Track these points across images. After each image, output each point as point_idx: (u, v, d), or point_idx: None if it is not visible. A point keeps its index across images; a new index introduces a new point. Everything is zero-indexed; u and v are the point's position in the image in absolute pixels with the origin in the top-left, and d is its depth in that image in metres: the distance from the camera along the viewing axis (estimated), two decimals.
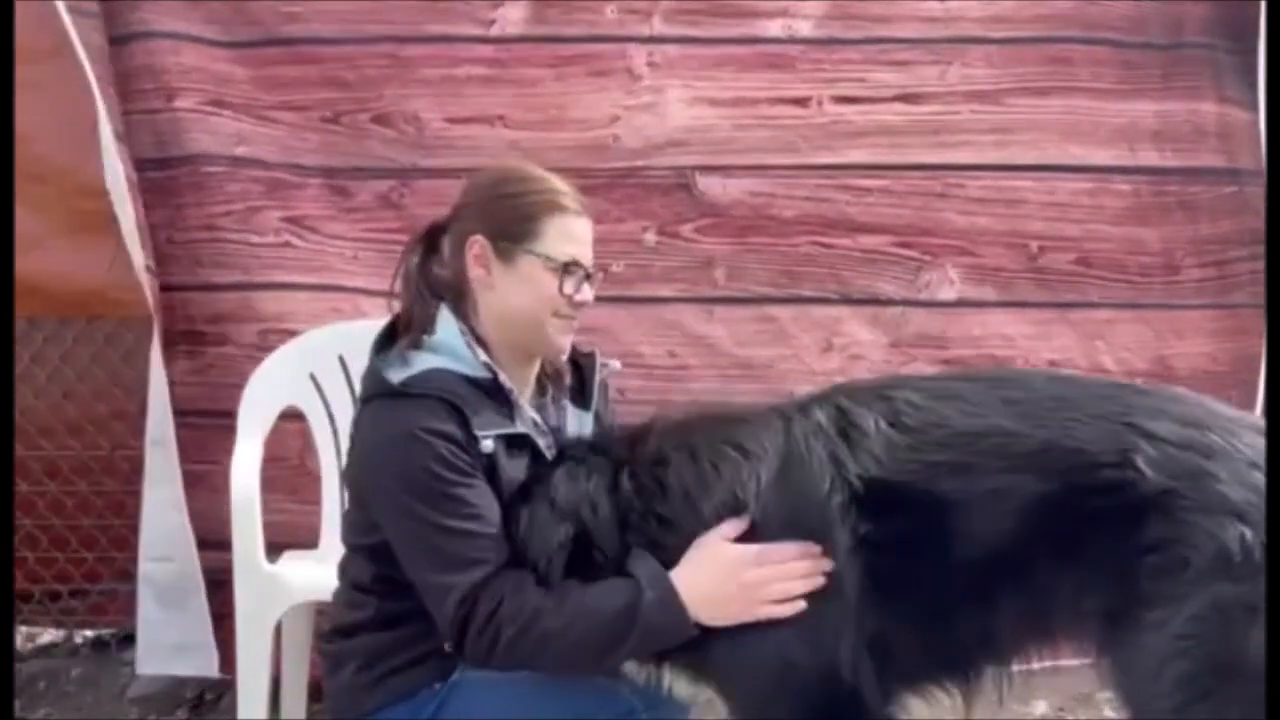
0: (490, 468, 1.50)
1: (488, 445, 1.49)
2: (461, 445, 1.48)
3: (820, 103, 2.41)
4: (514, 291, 1.55)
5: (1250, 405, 2.35)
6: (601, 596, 1.44)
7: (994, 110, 2.41)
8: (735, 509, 1.45)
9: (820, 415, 1.46)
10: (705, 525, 1.45)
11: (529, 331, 1.57)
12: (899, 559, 1.41)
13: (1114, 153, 2.40)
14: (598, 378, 1.69)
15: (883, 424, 1.43)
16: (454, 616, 1.44)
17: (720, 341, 2.43)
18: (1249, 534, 1.29)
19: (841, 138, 2.42)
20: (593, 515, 1.48)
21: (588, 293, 1.58)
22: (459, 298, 1.59)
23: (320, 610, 2.12)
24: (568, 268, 1.54)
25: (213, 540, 2.26)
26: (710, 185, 2.41)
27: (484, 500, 1.48)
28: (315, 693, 2.17)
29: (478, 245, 1.56)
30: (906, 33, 2.40)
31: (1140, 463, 1.34)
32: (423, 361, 1.55)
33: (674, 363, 2.43)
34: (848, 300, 2.43)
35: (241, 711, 2.08)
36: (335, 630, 1.65)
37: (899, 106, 2.40)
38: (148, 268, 2.32)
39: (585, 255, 1.58)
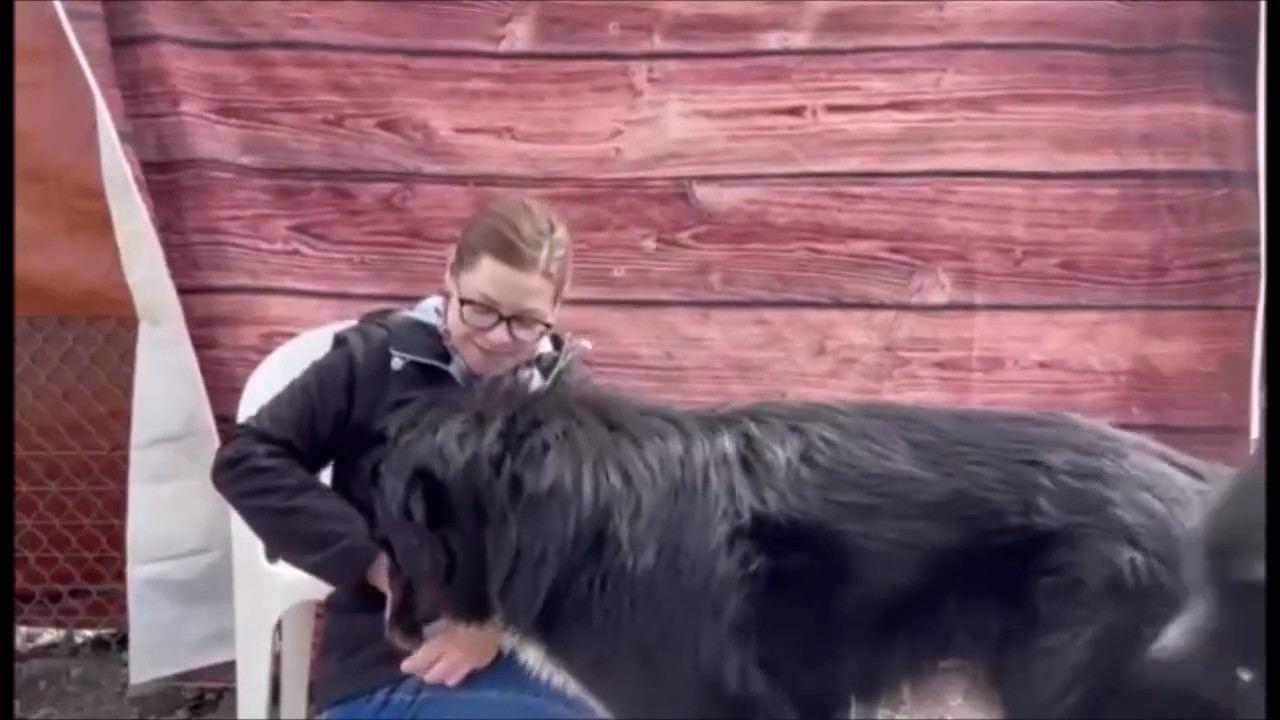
0: (388, 383, 1.62)
1: (396, 364, 1.63)
2: (363, 370, 1.63)
3: (814, 112, 2.31)
4: (451, 304, 1.64)
5: (1243, 406, 2.24)
6: (318, 518, 1.55)
7: (986, 117, 2.29)
8: (601, 530, 1.33)
9: (727, 443, 1.36)
10: (565, 532, 1.32)
11: (454, 340, 1.65)
12: (795, 593, 1.33)
13: (1104, 157, 2.29)
14: (563, 355, 1.70)
15: (793, 459, 1.34)
16: (241, 428, 1.66)
17: (716, 344, 2.35)
18: (1139, 558, 1.26)
19: (835, 146, 2.31)
20: (443, 466, 1.38)
21: (499, 334, 1.59)
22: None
23: (320, 610, 1.96)
24: (465, 300, 1.59)
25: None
26: (707, 194, 2.33)
27: (326, 410, 1.62)
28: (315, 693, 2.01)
29: (451, 254, 1.66)
30: (901, 41, 2.29)
31: (1043, 503, 1.30)
32: (397, 314, 1.74)
33: (671, 364, 2.34)
34: (840, 304, 2.33)
35: (242, 711, 1.95)
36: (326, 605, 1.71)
37: (892, 114, 2.29)
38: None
39: (502, 299, 1.59)
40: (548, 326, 1.64)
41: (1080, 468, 1.31)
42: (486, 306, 1.58)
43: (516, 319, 1.58)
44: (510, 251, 1.56)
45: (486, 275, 1.57)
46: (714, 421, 1.40)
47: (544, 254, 1.58)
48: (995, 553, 1.30)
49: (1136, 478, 1.30)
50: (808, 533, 1.31)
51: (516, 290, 1.57)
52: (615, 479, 1.33)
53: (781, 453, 1.33)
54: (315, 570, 1.60)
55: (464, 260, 1.60)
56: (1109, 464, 1.31)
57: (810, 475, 1.32)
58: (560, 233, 1.61)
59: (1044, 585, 1.28)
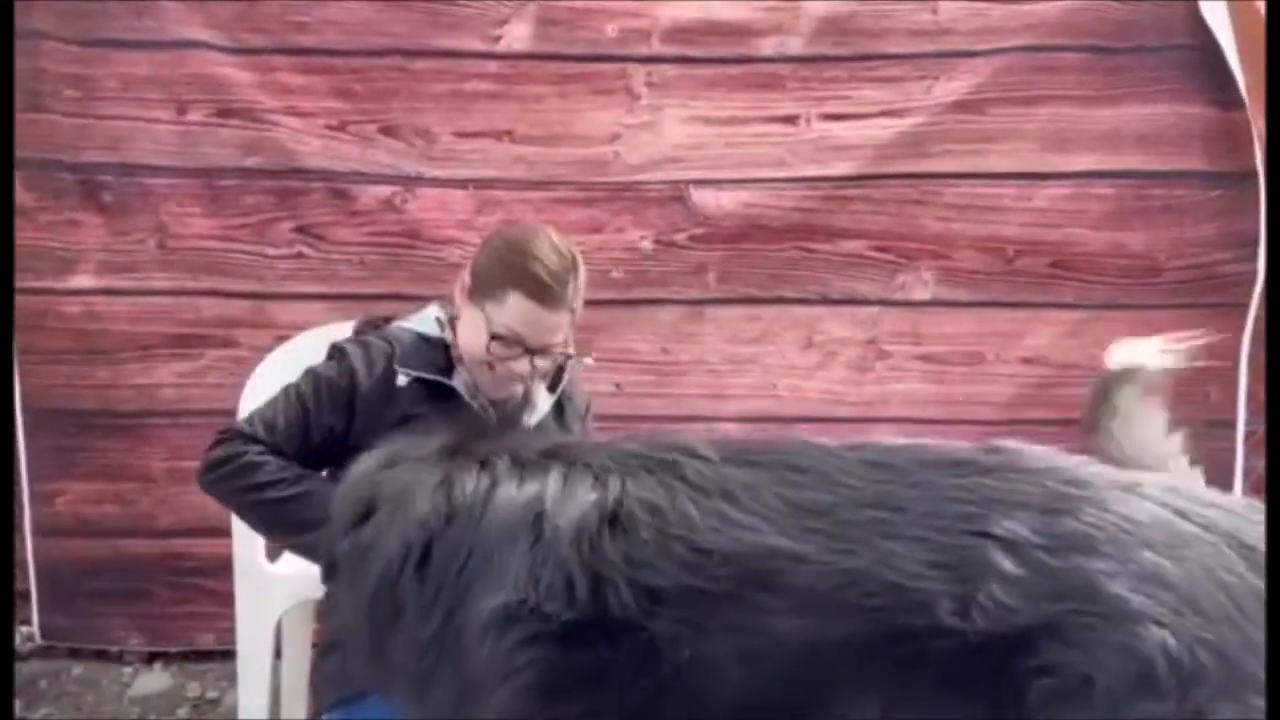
0: (392, 399, 1.49)
1: (401, 380, 1.51)
2: (365, 387, 1.48)
3: (808, 120, 2.19)
4: (463, 328, 1.53)
5: (1229, 399, 2.12)
6: (323, 500, 1.34)
7: (978, 120, 2.17)
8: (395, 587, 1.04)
9: (526, 496, 1.02)
10: (363, 593, 1.07)
11: (468, 362, 1.53)
12: (598, 697, 0.98)
13: (1098, 157, 2.17)
14: (568, 371, 1.60)
15: (592, 528, 0.98)
16: (227, 431, 1.47)
17: (710, 339, 2.25)
18: (1171, 640, 0.88)
19: (827, 151, 2.19)
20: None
21: (521, 365, 1.49)
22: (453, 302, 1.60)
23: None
24: (495, 336, 1.48)
25: (224, 529, 1.92)
26: (703, 198, 2.22)
27: (321, 420, 1.48)
28: None
29: (465, 277, 1.54)
30: (895, 48, 2.17)
31: (999, 594, 0.90)
32: (396, 324, 1.60)
33: (667, 359, 2.25)
34: (827, 301, 2.24)
35: (242, 712, 1.80)
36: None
37: (884, 121, 2.17)
38: None
39: (531, 336, 1.48)
40: (567, 356, 1.55)
41: (1054, 534, 0.91)
42: (514, 341, 1.47)
43: (539, 351, 1.49)
44: (543, 291, 1.45)
45: (516, 313, 1.46)
46: (540, 460, 1.06)
47: (570, 290, 1.48)
48: (929, 660, 0.92)
49: (1132, 534, 0.91)
50: (605, 625, 0.96)
51: (546, 328, 1.48)
52: (415, 516, 1.03)
53: (572, 519, 0.98)
54: (310, 551, 1.40)
55: (487, 291, 1.47)
56: (1091, 523, 0.92)
57: (616, 549, 0.96)
58: (580, 264, 1.51)
59: (1040, 688, 0.90)
